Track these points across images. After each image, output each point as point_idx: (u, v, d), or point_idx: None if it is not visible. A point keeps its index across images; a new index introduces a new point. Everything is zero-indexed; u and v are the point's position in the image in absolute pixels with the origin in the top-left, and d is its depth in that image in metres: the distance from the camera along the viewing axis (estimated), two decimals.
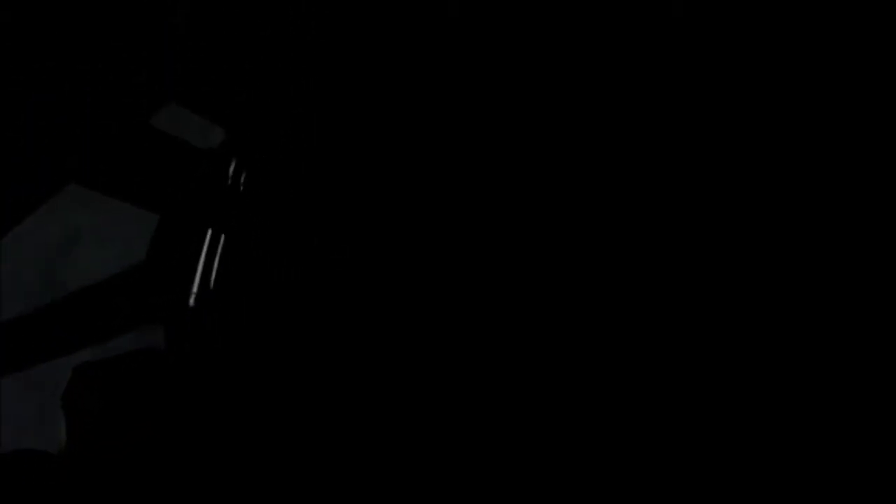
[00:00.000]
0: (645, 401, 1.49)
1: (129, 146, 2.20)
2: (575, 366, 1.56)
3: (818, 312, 1.38)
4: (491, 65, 1.77)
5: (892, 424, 1.27)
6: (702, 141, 1.56)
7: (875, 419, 1.29)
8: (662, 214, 1.56)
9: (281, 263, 1.96)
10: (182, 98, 2.24)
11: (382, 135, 1.86)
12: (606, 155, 1.65)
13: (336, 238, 1.76)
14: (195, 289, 1.98)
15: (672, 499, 1.42)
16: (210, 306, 1.93)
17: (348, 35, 1.95)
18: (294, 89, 2.03)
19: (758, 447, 1.38)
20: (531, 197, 1.69)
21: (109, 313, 2.24)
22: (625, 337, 1.54)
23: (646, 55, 1.63)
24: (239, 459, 1.62)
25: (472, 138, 1.76)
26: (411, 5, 1.82)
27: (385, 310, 1.61)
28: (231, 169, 2.13)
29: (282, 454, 1.67)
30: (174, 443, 1.49)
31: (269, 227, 1.98)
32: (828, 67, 1.46)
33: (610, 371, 1.53)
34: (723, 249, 1.49)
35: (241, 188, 2.10)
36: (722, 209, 1.51)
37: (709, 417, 1.43)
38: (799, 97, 1.49)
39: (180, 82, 2.21)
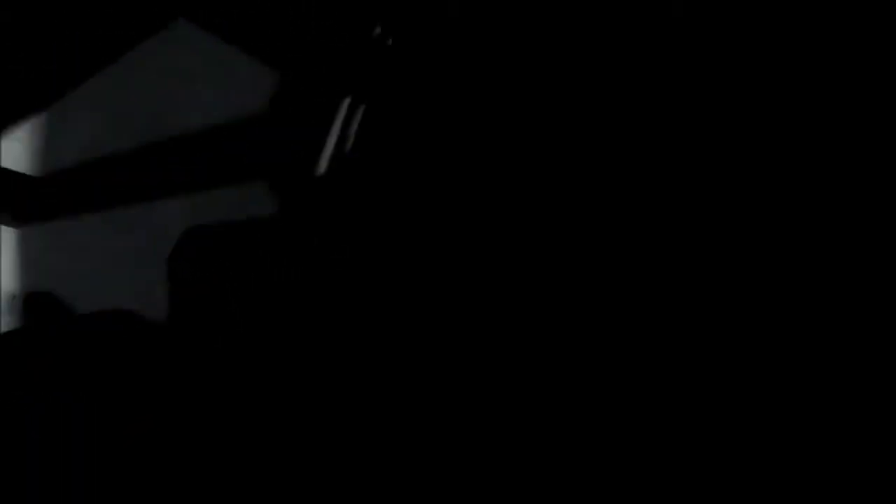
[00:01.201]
0: (644, 401, 1.47)
1: None
2: (575, 366, 1.54)
3: (818, 312, 1.36)
4: (491, 65, 1.73)
5: (892, 424, 1.26)
6: (701, 141, 1.52)
7: (875, 419, 1.28)
8: (662, 215, 1.53)
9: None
10: None
11: (381, 134, 1.81)
12: (606, 155, 1.61)
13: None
14: (329, 153, 1.70)
15: (672, 499, 1.42)
16: (345, 182, 1.66)
17: (347, 34, 1.84)
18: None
19: (757, 447, 1.37)
20: (530, 197, 1.66)
21: (218, 160, 2.05)
22: (625, 337, 1.52)
23: (646, 55, 1.59)
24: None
25: (472, 137, 1.72)
26: (411, 5, 1.75)
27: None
28: (377, 30, 1.82)
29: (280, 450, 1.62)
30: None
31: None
32: (828, 68, 1.43)
33: (610, 371, 1.52)
34: (722, 249, 1.46)
35: (389, 50, 1.78)
36: (721, 209, 1.48)
37: (708, 417, 1.42)
38: (799, 98, 1.45)
39: None
